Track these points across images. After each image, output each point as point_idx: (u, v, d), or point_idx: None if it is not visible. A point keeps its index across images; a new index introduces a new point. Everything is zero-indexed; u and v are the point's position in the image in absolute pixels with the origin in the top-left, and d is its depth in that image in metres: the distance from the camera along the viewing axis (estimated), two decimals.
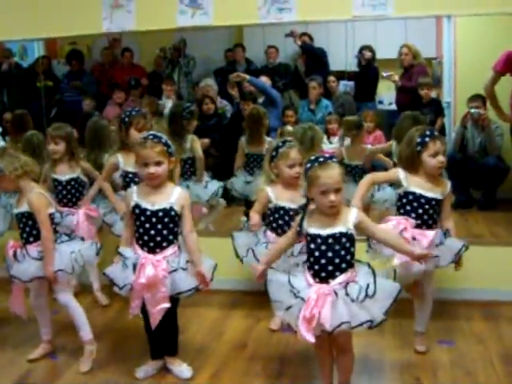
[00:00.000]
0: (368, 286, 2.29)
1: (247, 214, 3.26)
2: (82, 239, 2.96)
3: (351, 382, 2.53)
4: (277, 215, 3.09)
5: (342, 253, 2.31)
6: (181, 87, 4.61)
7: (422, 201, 2.77)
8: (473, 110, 3.85)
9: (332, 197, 2.26)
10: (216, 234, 3.84)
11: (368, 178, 2.88)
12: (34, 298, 2.94)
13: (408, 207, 2.80)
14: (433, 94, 4.19)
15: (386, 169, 3.73)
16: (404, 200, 2.81)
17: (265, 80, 4.52)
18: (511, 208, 3.68)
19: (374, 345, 2.95)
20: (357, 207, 2.60)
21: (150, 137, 2.58)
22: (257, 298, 3.49)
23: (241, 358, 2.94)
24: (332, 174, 2.27)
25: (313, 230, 2.34)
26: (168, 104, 4.55)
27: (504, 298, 3.46)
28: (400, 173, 2.82)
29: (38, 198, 2.79)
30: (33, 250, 2.81)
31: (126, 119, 3.29)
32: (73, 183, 3.50)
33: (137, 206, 2.60)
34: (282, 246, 2.52)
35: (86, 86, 4.84)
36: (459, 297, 3.30)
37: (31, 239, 2.83)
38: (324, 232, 2.31)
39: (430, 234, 2.73)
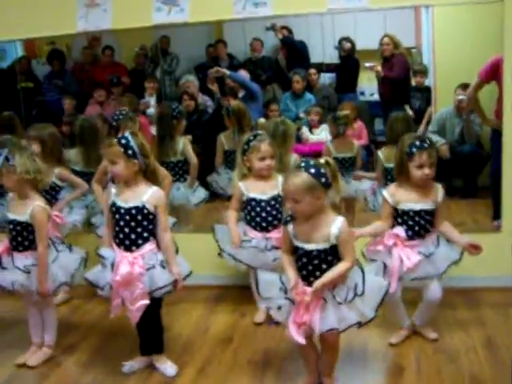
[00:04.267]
0: (356, 285, 2.31)
1: None
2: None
3: (335, 372, 2.56)
4: (249, 207, 3.16)
5: (329, 259, 2.32)
6: (163, 85, 4.59)
7: (412, 214, 2.78)
8: (460, 97, 3.87)
9: (288, 205, 2.29)
10: (199, 229, 3.85)
11: (376, 224, 2.85)
12: (26, 300, 2.93)
13: (399, 220, 2.81)
14: (413, 81, 4.23)
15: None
16: (394, 213, 2.82)
17: (244, 74, 4.52)
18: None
19: (357, 335, 2.95)
20: (360, 235, 2.71)
21: (117, 137, 2.65)
22: (241, 292, 3.54)
23: (227, 353, 2.96)
24: (290, 182, 2.26)
25: (297, 243, 2.35)
26: (151, 102, 4.54)
27: (486, 284, 3.50)
28: (388, 197, 2.81)
29: (42, 213, 2.77)
30: (20, 259, 2.80)
31: (115, 123, 3.40)
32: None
33: (113, 203, 2.65)
34: (290, 261, 2.42)
35: (68, 85, 4.81)
36: (442, 284, 3.32)
37: (21, 248, 2.81)
38: (308, 246, 2.32)
39: (416, 258, 2.73)
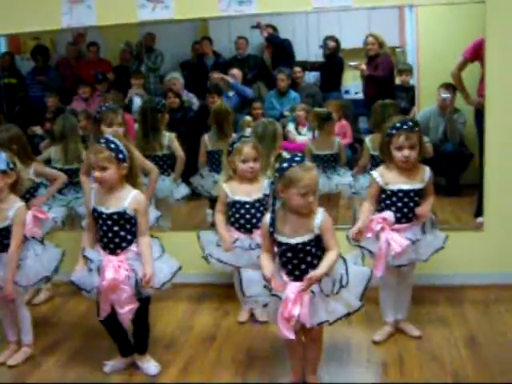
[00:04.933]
0: (341, 276, 2.32)
1: (212, 207, 3.30)
2: (42, 242, 2.95)
3: (320, 368, 2.58)
4: (234, 209, 3.15)
5: (313, 250, 2.33)
6: (148, 82, 4.56)
7: (400, 194, 2.80)
8: (444, 95, 3.91)
9: (311, 198, 2.28)
10: (183, 227, 3.85)
11: (365, 208, 2.86)
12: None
13: (387, 201, 2.83)
14: (397, 80, 4.25)
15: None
16: (383, 195, 2.84)
17: (236, 73, 4.51)
18: (475, 194, 3.72)
19: (340, 333, 2.98)
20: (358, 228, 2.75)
21: (101, 141, 2.59)
22: (225, 291, 3.54)
23: (210, 351, 2.96)
24: (313, 175, 2.28)
25: (282, 239, 2.34)
26: (136, 98, 4.52)
27: (468, 281, 3.54)
28: (376, 175, 2.84)
29: (24, 214, 2.80)
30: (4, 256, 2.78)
31: (97, 116, 3.37)
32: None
33: (94, 209, 2.63)
34: (268, 258, 2.43)
35: (51, 81, 4.76)
36: (424, 282, 3.36)
37: (6, 250, 2.78)
38: (292, 241, 2.32)
39: (404, 243, 2.75)
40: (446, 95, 3.89)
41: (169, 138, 3.87)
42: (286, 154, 2.32)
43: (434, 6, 3.60)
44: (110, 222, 2.59)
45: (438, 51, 3.96)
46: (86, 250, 2.65)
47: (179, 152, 3.87)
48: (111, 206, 2.59)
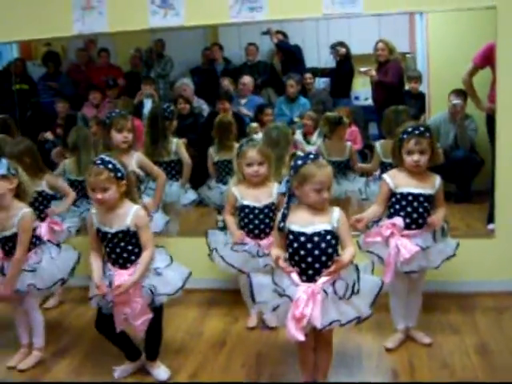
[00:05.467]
0: (354, 283, 2.32)
1: (221, 213, 3.32)
2: (58, 245, 2.98)
3: (330, 375, 2.56)
4: (242, 214, 3.15)
5: (329, 250, 2.33)
6: (158, 88, 4.59)
7: (410, 198, 2.79)
8: (455, 101, 3.90)
9: (326, 194, 2.30)
10: (192, 233, 3.84)
11: (372, 209, 2.86)
12: (13, 301, 2.93)
13: (397, 206, 2.82)
14: (407, 87, 4.25)
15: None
16: (393, 199, 2.84)
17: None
18: (486, 200, 3.71)
19: (351, 340, 2.98)
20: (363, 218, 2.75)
21: (98, 161, 2.56)
22: (234, 296, 3.53)
23: (220, 357, 2.96)
24: (327, 171, 2.32)
25: (296, 228, 2.34)
26: (147, 100, 4.54)
27: (479, 289, 3.52)
28: (387, 178, 2.84)
29: (30, 218, 2.81)
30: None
31: (107, 121, 3.40)
32: (36, 196, 3.34)
33: (98, 229, 2.64)
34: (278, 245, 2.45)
35: (63, 87, 4.80)
36: (435, 289, 3.34)
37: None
38: (308, 230, 2.32)
39: (414, 249, 2.74)
40: (456, 101, 3.88)
41: (176, 144, 3.88)
42: (300, 153, 2.36)
43: (444, 12, 3.59)
44: (115, 240, 2.60)
45: (448, 57, 3.96)
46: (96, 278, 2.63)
47: (186, 158, 3.88)
48: (114, 225, 2.59)
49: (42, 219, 3.36)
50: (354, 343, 2.97)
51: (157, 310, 2.67)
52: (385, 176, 2.86)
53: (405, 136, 2.76)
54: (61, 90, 4.77)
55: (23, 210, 2.79)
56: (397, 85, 4.26)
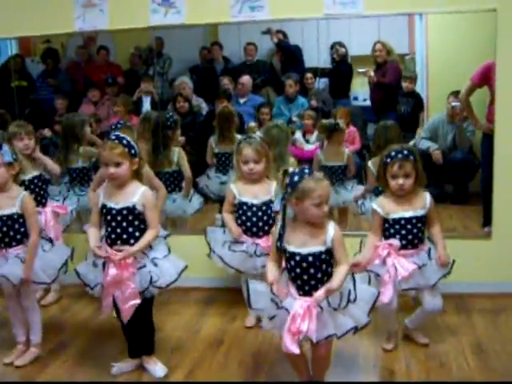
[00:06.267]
0: (349, 292, 2.32)
1: (222, 211, 3.32)
2: (50, 240, 2.96)
3: (326, 376, 2.56)
4: (240, 211, 3.17)
5: (324, 266, 2.33)
6: (156, 86, 4.59)
7: (403, 222, 2.79)
8: (454, 103, 3.91)
9: (325, 208, 2.29)
10: (191, 231, 3.85)
11: (370, 241, 2.84)
12: (8, 299, 2.92)
13: (391, 230, 2.82)
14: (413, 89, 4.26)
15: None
16: (386, 225, 2.84)
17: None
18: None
19: (348, 340, 2.95)
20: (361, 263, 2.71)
21: (113, 137, 2.60)
22: (232, 295, 3.54)
23: (217, 355, 2.96)
24: (325, 185, 2.30)
25: (291, 249, 2.34)
26: (146, 101, 4.54)
27: (476, 290, 3.53)
28: (376, 207, 2.84)
29: (32, 201, 2.83)
30: (14, 253, 2.80)
31: (112, 131, 3.35)
32: (36, 181, 3.39)
33: (104, 205, 2.64)
34: (273, 266, 2.43)
35: (61, 84, 4.80)
36: None
37: (14, 243, 2.81)
38: (303, 250, 2.31)
39: (411, 267, 2.75)
40: (455, 103, 3.90)
41: (178, 154, 3.87)
42: (291, 169, 2.34)
43: (443, 14, 3.60)
44: (119, 218, 2.60)
45: (447, 59, 3.98)
46: (96, 246, 2.63)
47: (187, 172, 3.86)
48: (121, 202, 2.60)
49: (43, 204, 3.39)
50: (350, 343, 2.96)
51: (147, 301, 2.67)
52: (374, 206, 2.85)
53: (388, 160, 2.76)
54: (59, 87, 4.77)
55: (22, 194, 2.81)
56: (394, 85, 4.28)
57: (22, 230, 2.80)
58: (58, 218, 3.41)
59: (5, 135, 3.61)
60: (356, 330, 2.36)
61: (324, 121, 4.07)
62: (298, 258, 2.32)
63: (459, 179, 4.01)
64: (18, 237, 2.80)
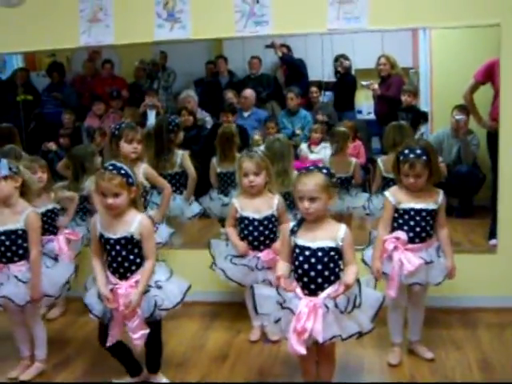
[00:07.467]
0: (355, 297, 2.32)
1: (223, 226, 3.35)
2: (55, 258, 2.99)
3: None
4: (242, 225, 3.17)
5: (331, 265, 2.34)
6: (161, 100, 4.60)
7: (412, 213, 2.80)
8: (458, 117, 3.93)
9: (306, 204, 2.31)
10: (195, 246, 3.85)
11: (379, 238, 2.84)
12: (12, 315, 2.91)
13: (400, 220, 2.83)
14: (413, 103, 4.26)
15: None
16: (395, 214, 2.84)
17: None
18: (488, 215, 3.71)
19: (353, 354, 2.97)
20: (375, 267, 2.76)
21: (110, 167, 2.55)
22: (236, 309, 3.53)
23: (222, 370, 2.95)
24: (307, 181, 2.32)
25: (301, 242, 2.36)
26: (151, 115, 4.56)
27: (482, 304, 3.51)
28: (389, 196, 2.85)
29: (37, 218, 2.81)
30: (17, 270, 2.79)
31: (116, 132, 3.39)
32: (49, 214, 3.40)
33: (101, 235, 2.61)
34: (283, 263, 2.45)
35: (67, 98, 4.82)
36: (438, 304, 3.34)
37: (16, 258, 2.80)
38: (313, 244, 2.34)
39: (417, 262, 2.75)
40: (459, 117, 3.90)
41: (181, 156, 3.88)
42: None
43: (447, 28, 3.62)
44: (118, 247, 2.58)
45: (451, 73, 3.99)
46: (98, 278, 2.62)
47: (191, 171, 3.87)
48: (118, 232, 2.57)
49: (55, 233, 3.42)
50: (355, 357, 2.96)
51: (156, 323, 2.66)
52: (387, 194, 2.87)
53: (401, 157, 2.77)
54: (65, 101, 4.79)
55: (28, 210, 2.79)
56: (398, 99, 4.28)
57: (26, 245, 2.79)
58: (69, 244, 3.41)
59: (16, 152, 3.65)
60: (360, 335, 2.35)
61: (337, 128, 4.08)
62: (307, 252, 2.34)
63: (464, 193, 4.00)
64: (21, 252, 2.79)
